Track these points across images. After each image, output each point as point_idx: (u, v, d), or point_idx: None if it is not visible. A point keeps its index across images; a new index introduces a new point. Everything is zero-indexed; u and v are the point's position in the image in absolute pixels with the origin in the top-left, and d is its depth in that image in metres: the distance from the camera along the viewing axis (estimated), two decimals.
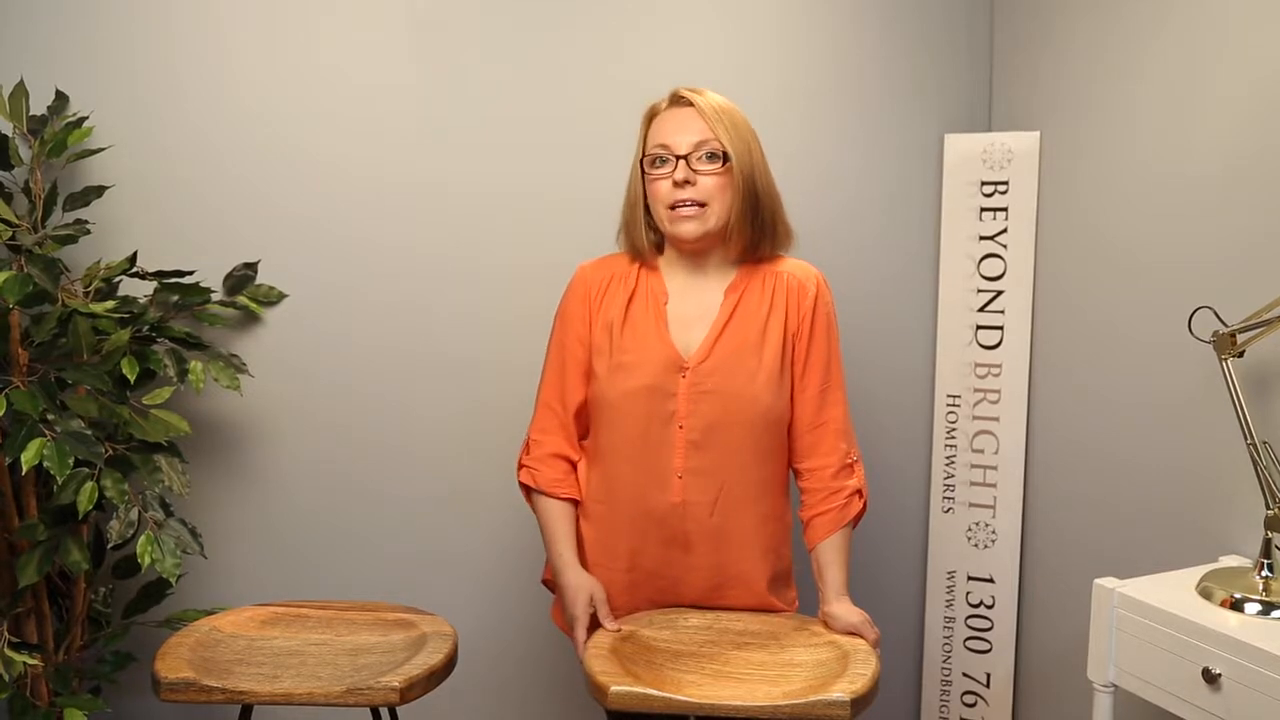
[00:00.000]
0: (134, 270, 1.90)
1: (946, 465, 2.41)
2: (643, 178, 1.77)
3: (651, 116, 1.78)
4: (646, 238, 1.80)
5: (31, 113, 1.88)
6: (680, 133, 1.73)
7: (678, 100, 1.76)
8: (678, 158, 1.72)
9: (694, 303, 1.79)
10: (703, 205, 1.72)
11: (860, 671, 1.57)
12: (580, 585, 1.74)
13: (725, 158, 1.72)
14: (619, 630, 1.70)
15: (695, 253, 1.79)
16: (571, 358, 1.82)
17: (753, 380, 1.74)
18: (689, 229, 1.73)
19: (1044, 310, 2.29)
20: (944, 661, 2.45)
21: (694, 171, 1.72)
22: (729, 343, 1.76)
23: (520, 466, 1.85)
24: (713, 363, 1.74)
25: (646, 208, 1.79)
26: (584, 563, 1.80)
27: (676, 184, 1.72)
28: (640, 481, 1.75)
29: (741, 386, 1.74)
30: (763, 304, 1.78)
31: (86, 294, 1.87)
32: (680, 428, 1.74)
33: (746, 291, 1.79)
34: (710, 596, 1.79)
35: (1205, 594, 1.70)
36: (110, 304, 1.85)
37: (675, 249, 1.81)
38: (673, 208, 1.73)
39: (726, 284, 1.80)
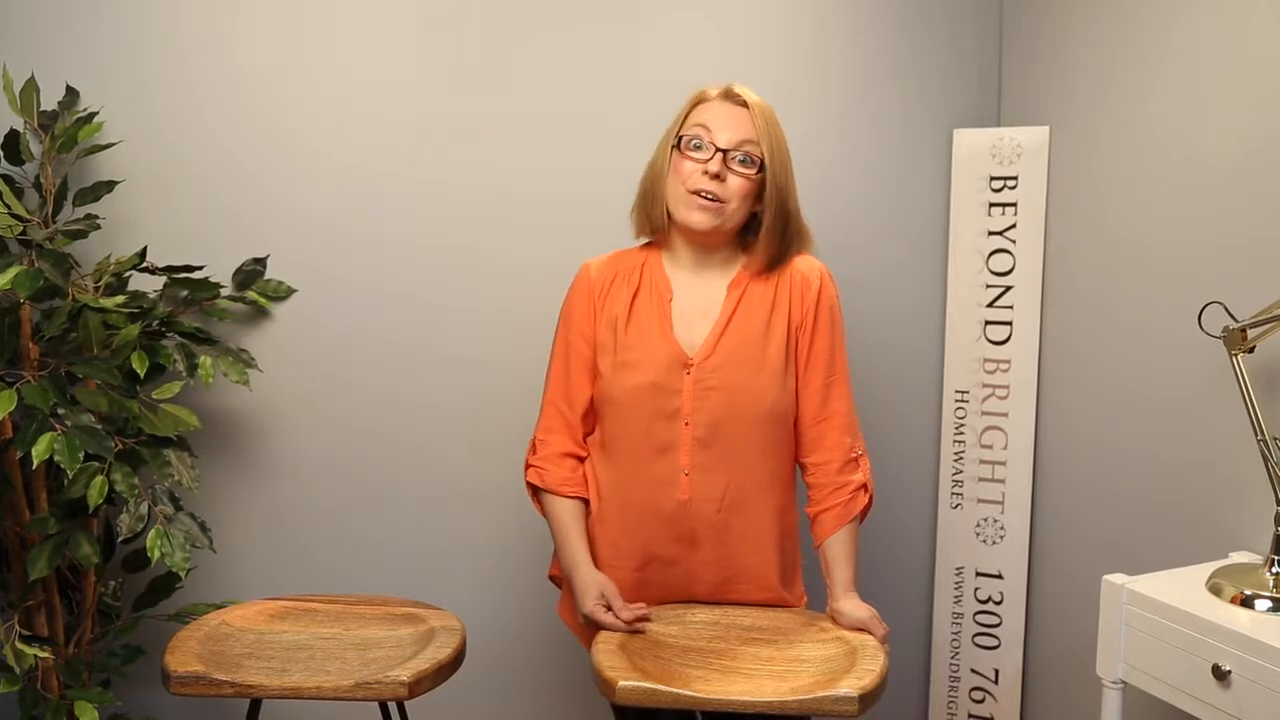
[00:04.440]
0: (144, 265, 1.91)
1: (955, 461, 2.41)
2: (671, 154, 1.76)
3: (699, 100, 1.77)
4: (665, 212, 1.78)
5: (42, 108, 1.89)
6: (728, 128, 1.72)
7: (732, 96, 1.76)
8: (717, 149, 1.71)
9: (698, 299, 1.79)
10: (723, 203, 1.72)
11: (868, 667, 1.57)
12: (589, 582, 1.74)
13: (760, 166, 1.72)
14: (639, 619, 1.68)
15: (700, 246, 1.79)
16: (576, 355, 1.82)
17: (757, 375, 1.74)
18: (701, 219, 1.73)
19: (1053, 305, 2.29)
20: (952, 657, 2.45)
21: (727, 169, 1.72)
22: (733, 339, 1.75)
23: (527, 467, 1.85)
24: (717, 359, 1.74)
25: None
26: (595, 562, 1.79)
27: (707, 174, 1.71)
28: (648, 479, 1.75)
29: (746, 382, 1.74)
30: (766, 299, 1.78)
31: (97, 289, 1.88)
32: (686, 425, 1.73)
33: (750, 287, 1.79)
34: (719, 592, 1.79)
35: (1215, 590, 1.69)
36: (120, 299, 1.85)
37: (682, 239, 1.80)
38: (692, 193, 1.72)
39: (730, 279, 1.80)
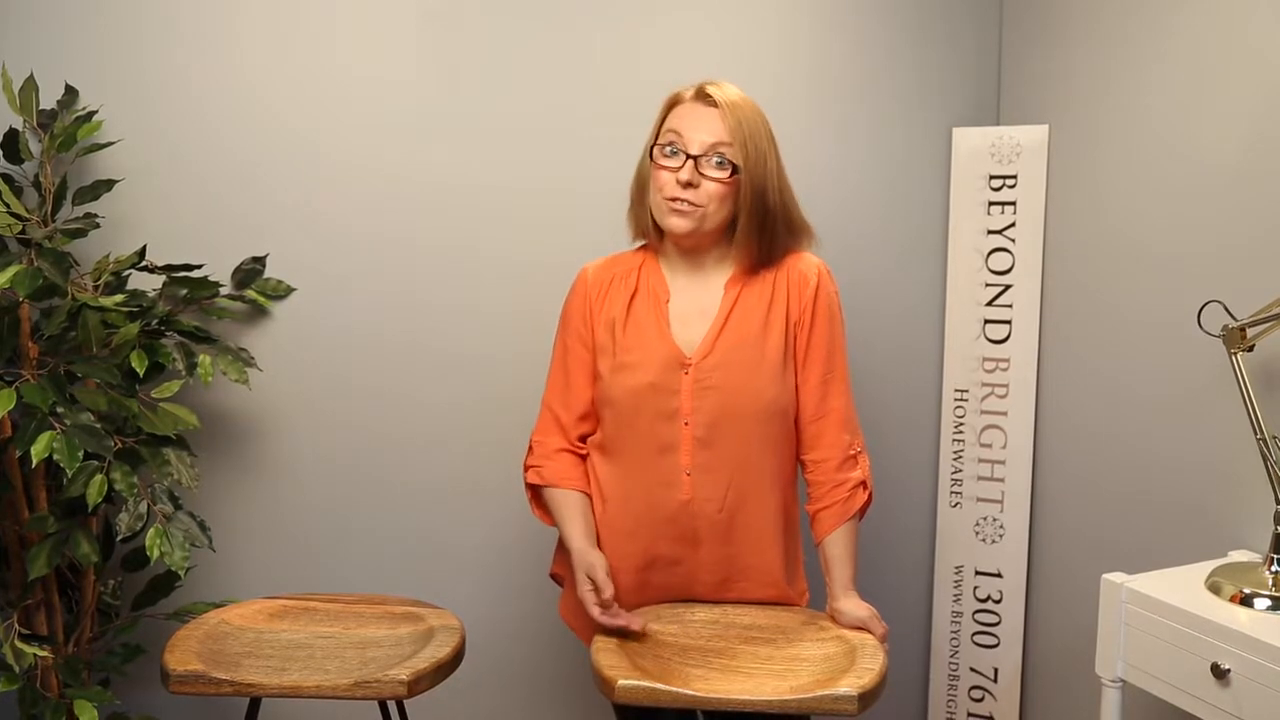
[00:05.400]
0: (143, 264, 1.91)
1: (954, 460, 2.41)
2: (649, 163, 1.76)
3: (673, 104, 1.75)
4: (651, 219, 1.78)
5: (41, 107, 1.89)
6: (697, 131, 1.70)
7: (703, 96, 1.72)
8: (689, 155, 1.70)
9: (695, 299, 1.79)
10: (699, 207, 1.71)
11: (868, 666, 1.57)
12: (579, 563, 1.71)
13: (736, 168, 1.71)
14: (620, 627, 1.66)
15: (688, 249, 1.78)
16: (574, 359, 1.82)
17: (756, 374, 1.74)
18: (679, 224, 1.72)
19: (1052, 304, 2.29)
20: (951, 656, 2.45)
21: (700, 174, 1.70)
22: (730, 337, 1.75)
23: (526, 469, 1.85)
24: (715, 359, 1.74)
25: None
26: None
27: (680, 183, 1.70)
28: (649, 480, 1.75)
29: (744, 381, 1.73)
30: (763, 296, 1.77)
31: (96, 288, 1.88)
32: (685, 424, 1.73)
33: (747, 285, 1.78)
34: (721, 590, 1.79)
35: (1214, 589, 1.69)
36: (119, 298, 1.85)
37: (671, 242, 1.79)
38: (668, 200, 1.71)
39: (726, 278, 1.79)
